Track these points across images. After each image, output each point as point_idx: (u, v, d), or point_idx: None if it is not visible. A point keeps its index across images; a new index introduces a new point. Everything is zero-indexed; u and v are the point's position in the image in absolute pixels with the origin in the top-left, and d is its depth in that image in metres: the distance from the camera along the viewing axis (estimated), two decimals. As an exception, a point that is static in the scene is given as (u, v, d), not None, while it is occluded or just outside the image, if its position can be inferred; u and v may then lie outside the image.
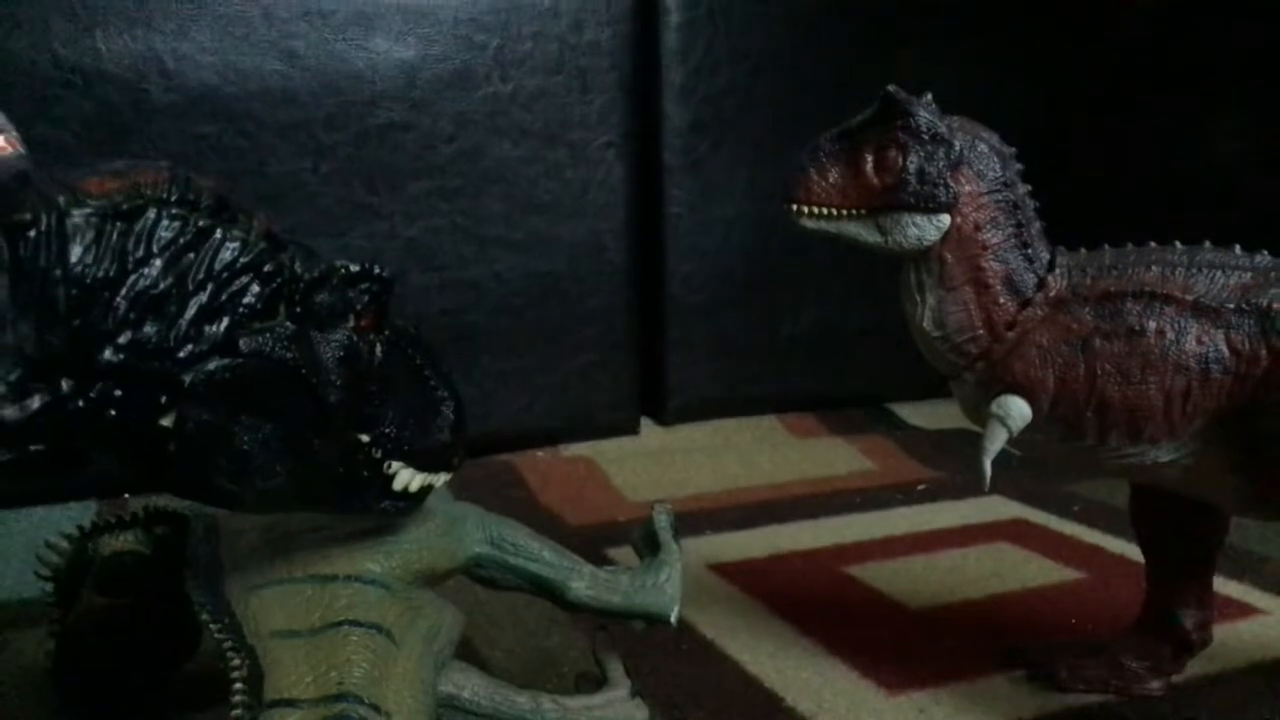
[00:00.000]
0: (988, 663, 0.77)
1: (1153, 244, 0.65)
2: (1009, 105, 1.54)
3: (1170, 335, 0.61)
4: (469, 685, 0.59)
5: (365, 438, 0.50)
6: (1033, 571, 0.96)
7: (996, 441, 0.64)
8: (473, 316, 1.33)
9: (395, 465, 0.52)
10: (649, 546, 0.68)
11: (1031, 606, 0.88)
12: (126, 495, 1.16)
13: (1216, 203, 1.46)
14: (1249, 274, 0.62)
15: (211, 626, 0.52)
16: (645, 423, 1.47)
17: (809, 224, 0.66)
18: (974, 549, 1.02)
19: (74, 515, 1.09)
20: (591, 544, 1.03)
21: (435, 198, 1.30)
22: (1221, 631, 0.79)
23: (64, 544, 0.68)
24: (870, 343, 1.54)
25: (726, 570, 0.98)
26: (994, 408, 0.65)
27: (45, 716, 0.70)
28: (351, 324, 0.49)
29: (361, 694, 0.48)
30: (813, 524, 1.11)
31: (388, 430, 0.51)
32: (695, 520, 1.12)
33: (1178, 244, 0.64)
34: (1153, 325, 0.62)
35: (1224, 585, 0.90)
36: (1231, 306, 0.61)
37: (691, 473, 1.30)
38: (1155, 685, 0.72)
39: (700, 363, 1.49)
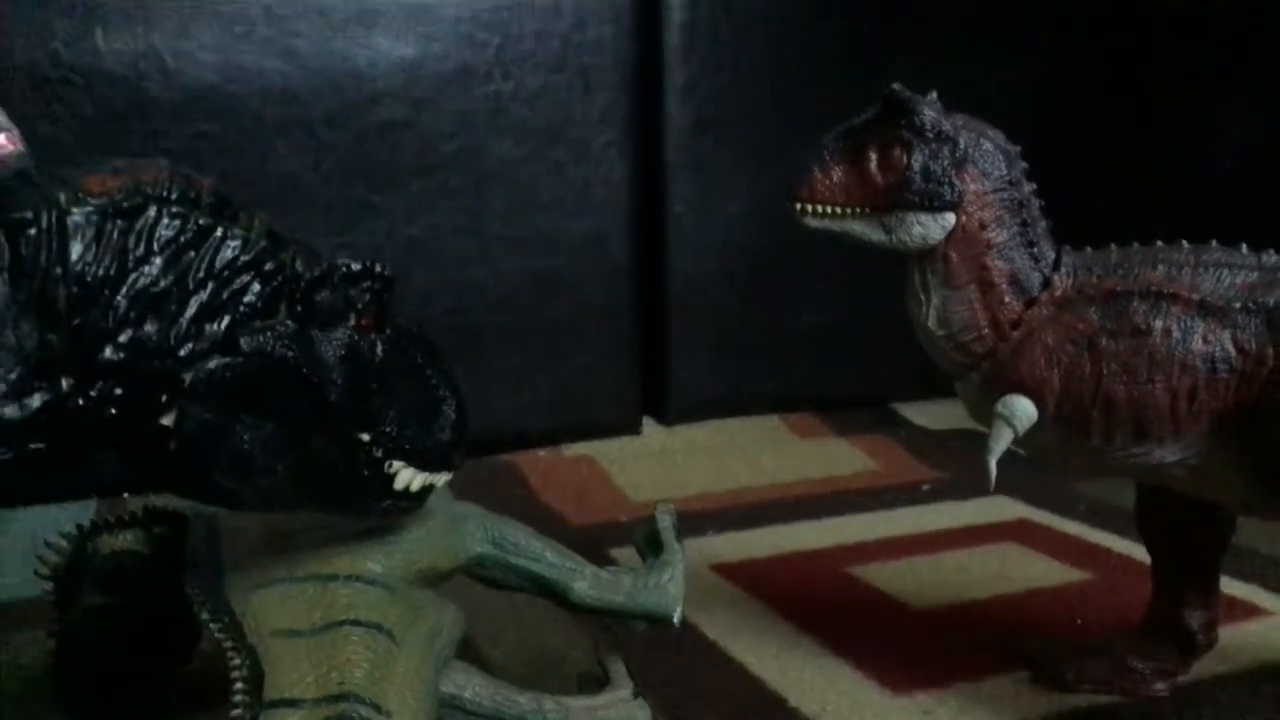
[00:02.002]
0: (993, 664, 0.77)
1: (1159, 243, 0.65)
2: (1013, 101, 1.54)
3: (1176, 334, 0.61)
4: (471, 685, 0.59)
5: (366, 437, 0.50)
6: (1038, 572, 0.96)
7: (1001, 441, 0.64)
8: (474, 315, 1.33)
9: (396, 464, 0.52)
10: (651, 547, 0.67)
11: (1037, 607, 0.88)
12: (125, 495, 1.15)
13: (1230, 198, 1.46)
14: (1256, 273, 0.61)
15: (211, 626, 0.51)
16: (647, 422, 1.47)
17: (813, 223, 0.66)
18: (979, 549, 1.02)
19: (74, 514, 1.08)
20: (594, 544, 1.02)
21: (436, 196, 1.29)
22: (1227, 633, 0.78)
23: (63, 543, 0.68)
24: (874, 342, 1.54)
25: (729, 570, 0.97)
26: (999, 407, 0.64)
27: (45, 717, 0.69)
28: (353, 323, 0.48)
29: (363, 694, 0.48)
30: (816, 524, 1.11)
31: (389, 429, 0.51)
32: (698, 520, 1.11)
33: (1184, 243, 0.64)
34: (1159, 324, 0.61)
35: (1230, 586, 0.90)
36: (1238, 306, 0.60)
37: (694, 472, 1.30)
38: (1160, 686, 0.71)
39: (703, 362, 1.48)
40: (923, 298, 0.66)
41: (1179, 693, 0.72)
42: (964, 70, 1.52)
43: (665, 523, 0.68)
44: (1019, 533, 1.06)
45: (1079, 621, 0.85)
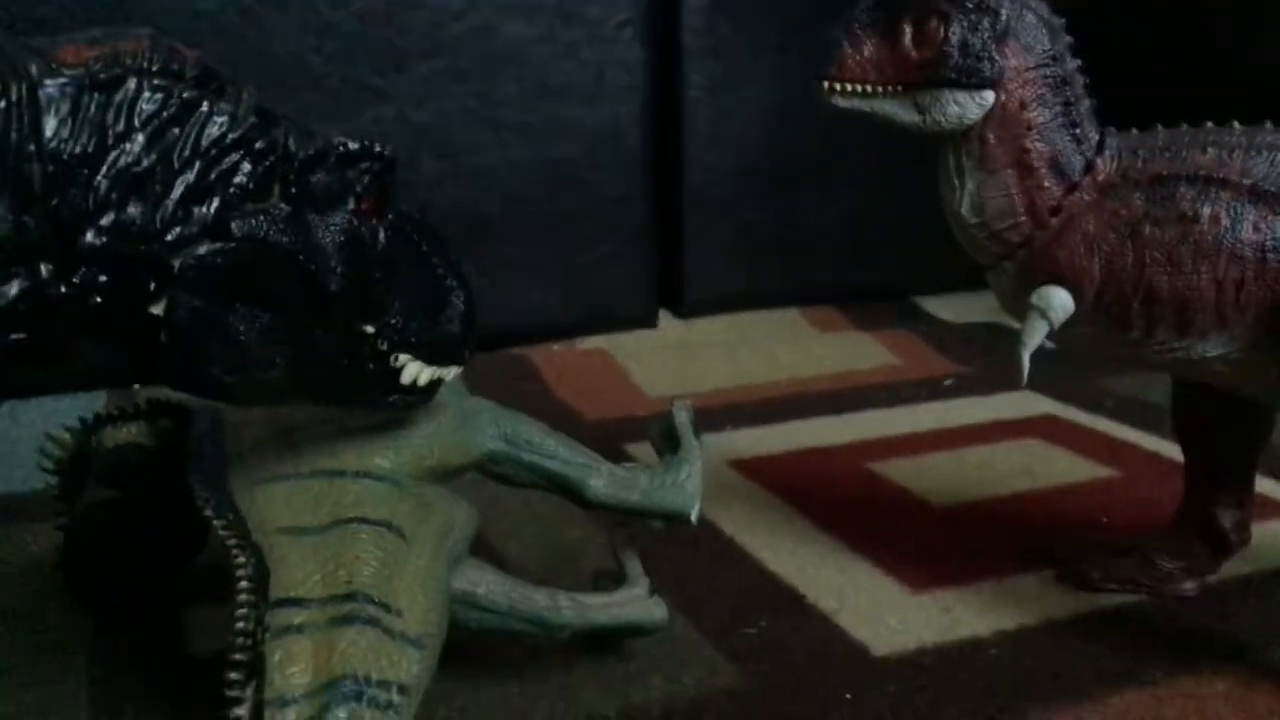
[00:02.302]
0: (1015, 562, 0.75)
1: (1209, 124, 0.61)
2: None
3: (1225, 222, 0.57)
4: (485, 582, 0.57)
5: (370, 328, 0.48)
6: (1063, 468, 0.94)
7: (1036, 335, 0.61)
8: (485, 205, 1.29)
9: (402, 358, 0.49)
10: (669, 444, 0.65)
11: (1061, 504, 0.86)
12: (136, 386, 1.14)
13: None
14: None
15: (215, 522, 0.50)
16: (663, 315, 1.44)
17: (841, 102, 0.62)
18: (1002, 445, 1.00)
19: (84, 406, 1.07)
20: (609, 439, 1.01)
21: (445, 79, 1.24)
22: (1260, 532, 0.76)
23: (66, 437, 0.66)
24: (897, 234, 1.50)
25: (747, 466, 0.96)
26: (1034, 299, 0.61)
27: (55, 608, 0.69)
28: (351, 206, 0.45)
29: (371, 593, 0.46)
30: (835, 419, 1.09)
31: (394, 321, 0.48)
32: (715, 416, 1.10)
33: (1236, 124, 0.60)
34: (1207, 211, 0.57)
35: (1263, 484, 0.88)
36: None
37: (711, 367, 1.27)
38: (1189, 586, 0.70)
39: (720, 254, 1.45)
40: (956, 183, 0.62)
41: (1208, 592, 0.70)
42: None
43: (682, 419, 0.66)
44: (1044, 429, 1.04)
45: (1105, 520, 0.83)
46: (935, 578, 0.74)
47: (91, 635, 0.66)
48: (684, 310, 1.45)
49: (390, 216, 0.48)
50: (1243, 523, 0.69)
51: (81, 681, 0.61)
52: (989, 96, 0.60)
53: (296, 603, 0.46)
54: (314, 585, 0.46)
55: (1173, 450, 0.93)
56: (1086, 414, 1.08)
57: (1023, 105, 0.60)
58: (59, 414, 0.99)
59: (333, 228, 0.45)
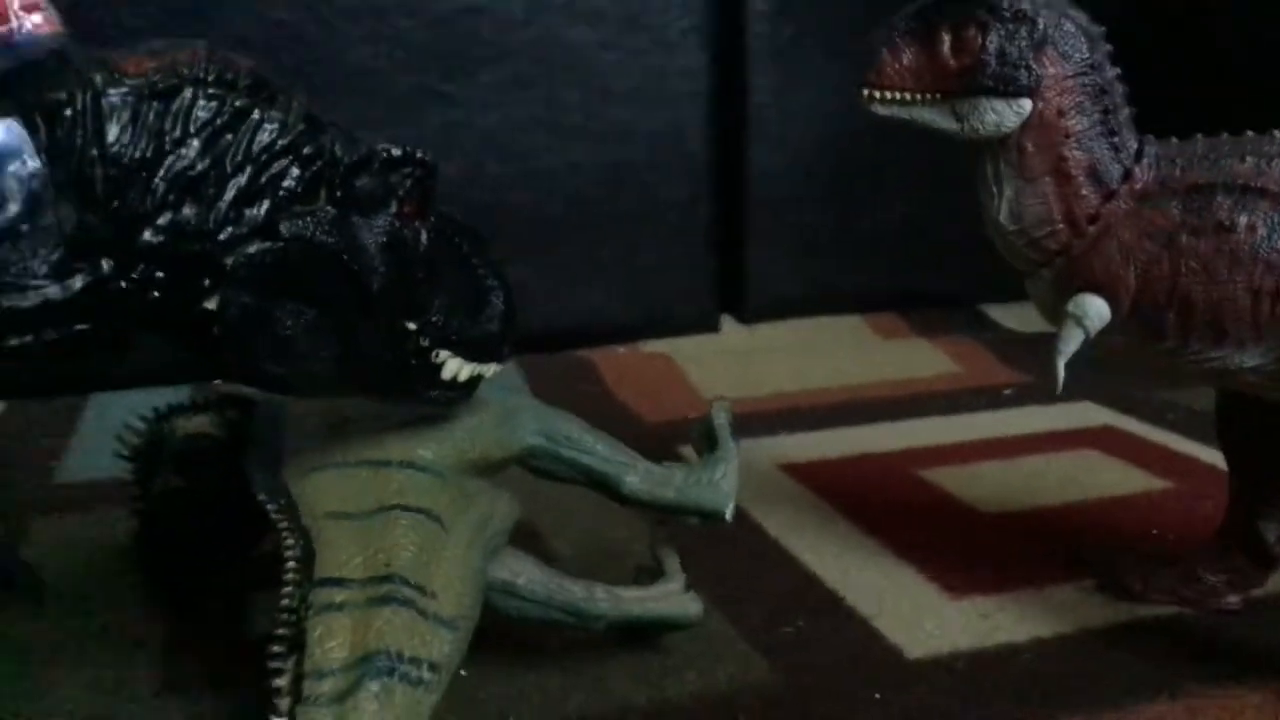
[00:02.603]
0: (1059, 571, 0.75)
1: (1250, 133, 0.60)
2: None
3: (1262, 231, 0.57)
4: (525, 572, 0.60)
5: (412, 325, 0.50)
6: (1116, 480, 0.93)
7: (1072, 343, 0.61)
8: (550, 208, 1.32)
9: (443, 354, 0.52)
10: (707, 443, 0.67)
11: (1112, 515, 0.85)
12: (218, 381, 1.19)
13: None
14: None
15: (268, 507, 0.53)
16: (726, 320, 1.45)
17: (881, 109, 0.63)
18: (1057, 455, 0.99)
19: (168, 399, 1.13)
20: (665, 441, 1.02)
21: (510, 85, 1.27)
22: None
23: (141, 425, 0.70)
24: (963, 240, 1.46)
25: (797, 470, 0.97)
26: (1071, 307, 0.61)
27: (131, 590, 0.73)
28: (394, 209, 0.48)
29: (408, 575, 0.49)
30: (890, 426, 1.09)
31: (435, 319, 0.51)
32: (771, 420, 1.11)
33: (1276, 133, 0.59)
34: (1243, 220, 0.57)
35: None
36: None
37: (770, 372, 1.28)
38: (1233, 600, 0.69)
39: (783, 259, 1.46)
40: (994, 190, 0.62)
41: (1252, 606, 0.69)
42: None
43: (721, 419, 0.67)
44: (1101, 439, 1.03)
45: (1155, 531, 0.82)
46: (976, 584, 0.74)
47: (163, 616, 0.70)
48: (747, 315, 1.46)
49: (432, 219, 0.51)
50: None
51: (153, 658, 0.65)
52: (1026, 105, 0.60)
53: (338, 582, 0.48)
54: (355, 567, 0.49)
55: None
56: (1147, 425, 1.07)
57: (1060, 113, 0.60)
58: (144, 408, 1.05)
59: (376, 229, 0.47)
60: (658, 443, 0.96)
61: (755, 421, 1.09)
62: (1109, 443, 1.02)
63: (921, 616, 0.70)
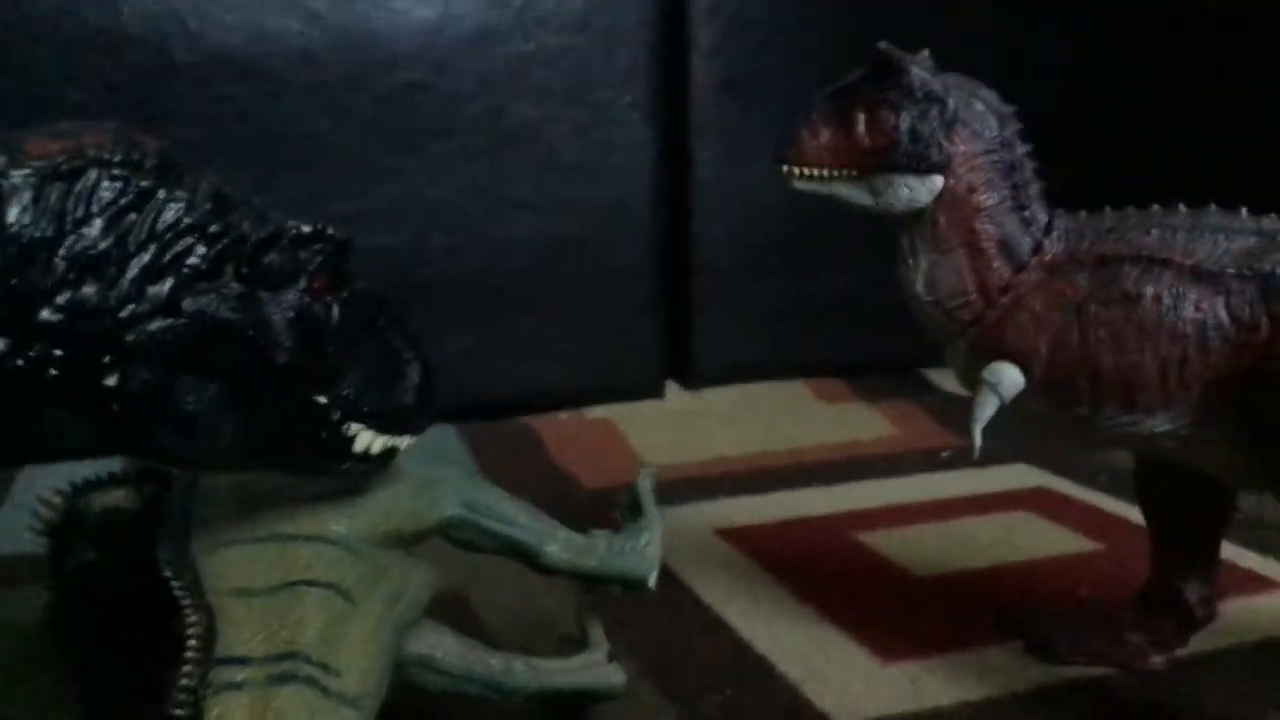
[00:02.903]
0: (988, 633, 0.75)
1: (1156, 206, 0.62)
2: (1052, 57, 1.49)
3: (1167, 301, 0.59)
4: (442, 645, 0.59)
5: (323, 399, 0.50)
6: (1048, 541, 0.94)
7: (987, 409, 0.63)
8: (496, 277, 1.33)
9: (355, 427, 0.52)
10: (631, 511, 0.67)
11: (1042, 576, 0.86)
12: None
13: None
14: (1254, 238, 0.59)
15: (173, 583, 0.52)
16: (671, 386, 1.46)
17: (801, 185, 0.65)
18: (990, 517, 1.00)
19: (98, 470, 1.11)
20: (605, 507, 1.02)
21: (458, 158, 1.29)
22: (1236, 607, 0.76)
23: (57, 500, 0.69)
24: (904, 307, 1.51)
25: (733, 535, 0.97)
26: (986, 375, 0.63)
27: (47, 666, 0.71)
28: (304, 285, 0.48)
29: (311, 653, 0.48)
30: (827, 490, 1.10)
31: (346, 392, 0.51)
32: (712, 485, 1.11)
33: (1181, 207, 0.62)
34: (1149, 291, 0.59)
35: (1244, 557, 0.87)
36: (1232, 272, 0.58)
37: (712, 436, 1.29)
38: (1157, 660, 0.70)
39: (728, 326, 1.47)
40: (911, 262, 0.65)
41: (1177, 666, 0.70)
42: (1004, 29, 1.47)
43: (645, 486, 0.67)
44: (1035, 501, 1.04)
45: (1083, 593, 0.83)
46: (907, 648, 0.74)
47: (79, 693, 0.68)
48: (692, 381, 1.47)
49: (345, 294, 0.51)
50: (1209, 596, 0.69)
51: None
52: (938, 181, 0.62)
53: (240, 661, 0.48)
54: (258, 644, 0.48)
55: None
56: (1080, 487, 1.08)
57: (971, 189, 0.62)
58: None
59: (283, 305, 0.48)
60: (595, 507, 0.96)
61: (694, 486, 1.09)
62: (1042, 504, 1.03)
63: (851, 682, 0.70)
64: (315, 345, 0.49)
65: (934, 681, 0.70)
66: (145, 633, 0.70)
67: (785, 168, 0.65)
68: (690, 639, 0.77)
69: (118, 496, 0.68)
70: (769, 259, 1.48)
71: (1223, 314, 0.58)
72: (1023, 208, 0.63)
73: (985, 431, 0.63)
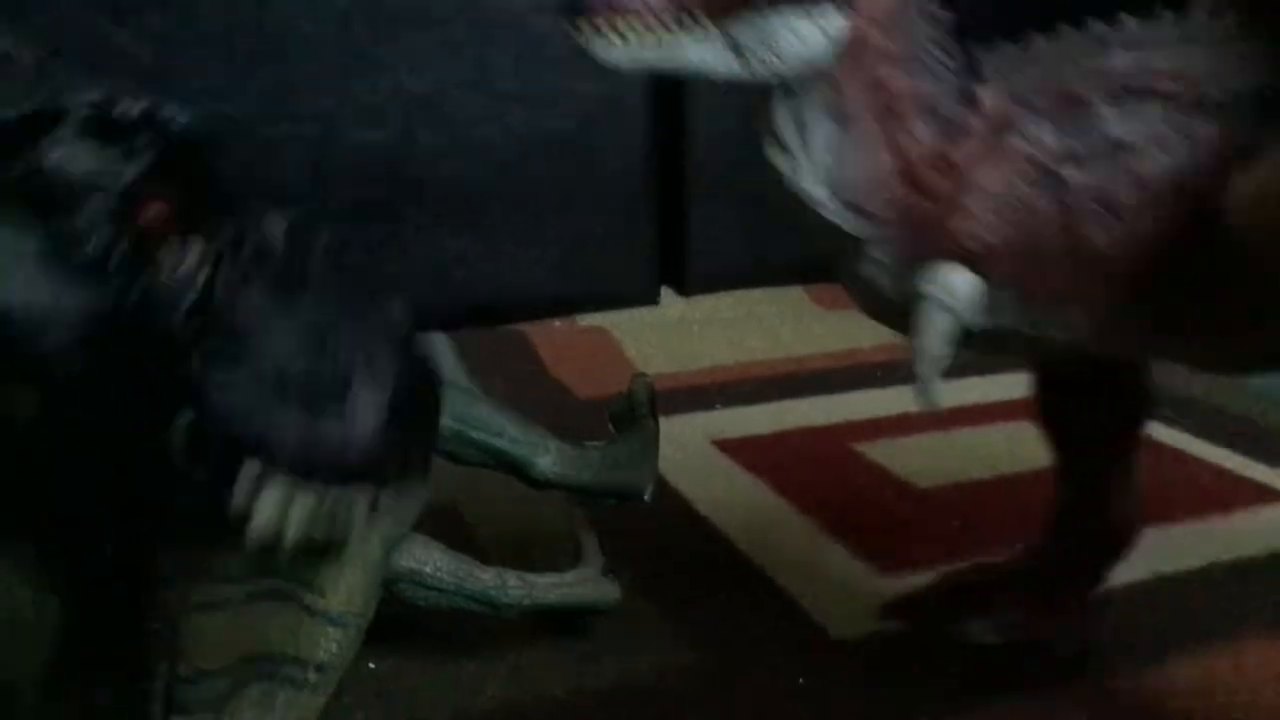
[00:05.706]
0: (987, 544, 0.74)
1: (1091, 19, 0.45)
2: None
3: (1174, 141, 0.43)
4: (432, 561, 0.57)
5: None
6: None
7: (936, 336, 0.46)
8: (484, 178, 1.28)
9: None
10: (625, 421, 0.65)
11: (1044, 486, 0.84)
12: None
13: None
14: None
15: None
16: (666, 292, 1.43)
17: (615, 56, 0.45)
18: (993, 427, 0.98)
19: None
20: (599, 417, 1.00)
21: (439, 50, 1.23)
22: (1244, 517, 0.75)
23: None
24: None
25: (730, 446, 0.95)
26: (927, 286, 0.46)
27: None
28: (115, 217, 0.34)
29: (291, 571, 0.46)
30: (827, 399, 1.07)
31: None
32: (707, 394, 1.09)
33: (1123, 15, 0.44)
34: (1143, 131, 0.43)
35: (1248, 467, 0.86)
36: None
37: (708, 345, 1.26)
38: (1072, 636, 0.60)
39: (725, 230, 1.43)
40: (793, 146, 0.48)
41: (1179, 581, 0.68)
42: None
43: (640, 397, 0.65)
44: (1039, 411, 1.02)
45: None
46: (906, 561, 0.73)
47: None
48: (687, 287, 1.43)
49: (220, 233, 0.36)
50: (1133, 516, 0.60)
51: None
52: (837, 21, 0.44)
53: (219, 579, 0.46)
54: (236, 563, 0.46)
55: (1165, 434, 0.91)
56: (1084, 395, 1.06)
57: (879, 29, 0.46)
58: None
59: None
60: (590, 418, 0.94)
61: (690, 396, 1.07)
62: (1045, 414, 1.01)
63: (851, 594, 0.69)
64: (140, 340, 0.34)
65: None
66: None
67: (584, 28, 0.44)
68: (685, 551, 0.75)
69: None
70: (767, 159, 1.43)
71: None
72: (938, 45, 0.46)
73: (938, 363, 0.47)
